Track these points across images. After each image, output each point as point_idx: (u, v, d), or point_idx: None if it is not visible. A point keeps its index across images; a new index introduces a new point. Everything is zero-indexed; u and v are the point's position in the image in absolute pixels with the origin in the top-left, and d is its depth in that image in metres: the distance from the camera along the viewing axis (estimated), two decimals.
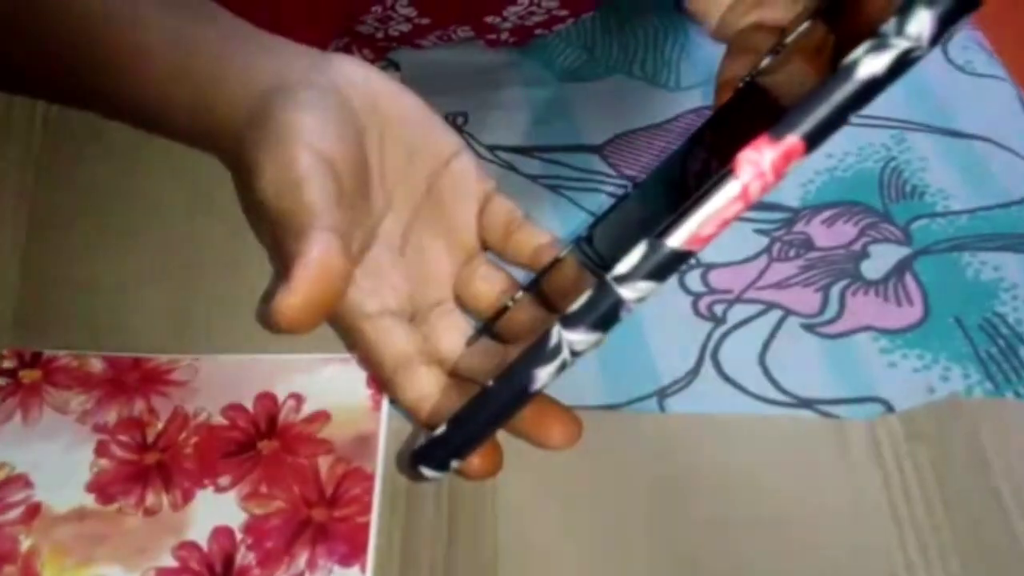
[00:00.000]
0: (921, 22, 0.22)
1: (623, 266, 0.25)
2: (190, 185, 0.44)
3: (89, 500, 0.35)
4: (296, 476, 0.35)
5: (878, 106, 0.53)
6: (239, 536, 0.34)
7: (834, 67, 0.23)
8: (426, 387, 0.31)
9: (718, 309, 0.41)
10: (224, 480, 0.35)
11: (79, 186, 0.44)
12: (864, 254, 0.43)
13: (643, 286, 0.25)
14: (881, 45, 0.22)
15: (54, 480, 0.35)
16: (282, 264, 0.29)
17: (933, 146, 0.48)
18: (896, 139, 0.48)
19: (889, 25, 0.22)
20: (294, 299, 0.27)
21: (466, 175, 0.34)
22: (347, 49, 0.52)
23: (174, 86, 0.34)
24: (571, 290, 0.29)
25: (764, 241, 0.44)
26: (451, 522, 0.35)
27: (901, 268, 0.43)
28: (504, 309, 0.33)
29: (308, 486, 0.35)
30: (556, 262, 0.33)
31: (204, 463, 0.36)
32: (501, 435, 0.32)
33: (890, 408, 0.38)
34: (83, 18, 0.36)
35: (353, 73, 0.33)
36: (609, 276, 0.25)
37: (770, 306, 0.41)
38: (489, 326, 0.33)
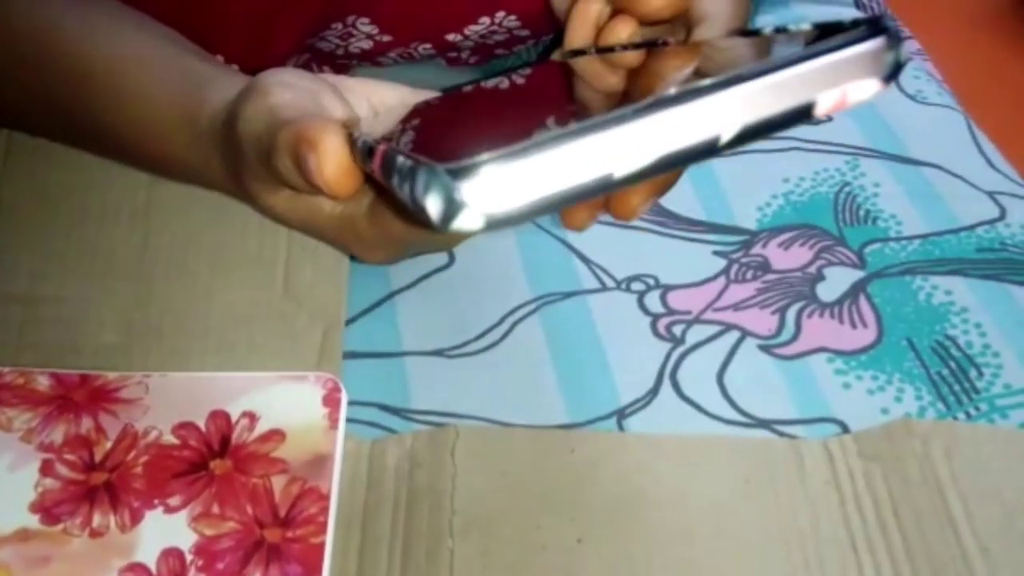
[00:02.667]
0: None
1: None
2: (139, 195, 0.43)
3: (33, 521, 0.34)
4: (249, 496, 0.35)
5: (832, 132, 0.54)
6: (189, 558, 0.33)
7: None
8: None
9: (677, 330, 0.42)
10: (174, 500, 0.34)
11: (22, 199, 0.43)
12: (819, 277, 0.44)
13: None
14: None
15: None
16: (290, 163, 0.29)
17: (886, 172, 0.49)
18: (850, 165, 0.49)
19: None
20: (329, 158, 0.26)
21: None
22: (307, 66, 0.52)
23: (159, 83, 0.35)
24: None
25: (722, 263, 0.44)
26: (407, 542, 0.34)
27: (855, 291, 0.43)
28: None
29: (262, 506, 0.34)
30: None
31: (154, 483, 0.35)
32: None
33: (845, 428, 0.38)
34: (60, 41, 0.37)
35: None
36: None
37: (728, 327, 0.42)
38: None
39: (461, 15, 0.49)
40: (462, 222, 0.19)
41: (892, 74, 0.21)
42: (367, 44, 0.50)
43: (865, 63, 0.21)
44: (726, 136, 0.20)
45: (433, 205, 0.19)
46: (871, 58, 0.21)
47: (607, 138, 0.19)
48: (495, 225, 0.19)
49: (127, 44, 0.37)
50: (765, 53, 0.25)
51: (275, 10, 0.45)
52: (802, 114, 0.20)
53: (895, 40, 0.21)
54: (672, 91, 0.20)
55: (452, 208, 0.19)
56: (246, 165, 0.31)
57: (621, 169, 0.19)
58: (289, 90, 0.30)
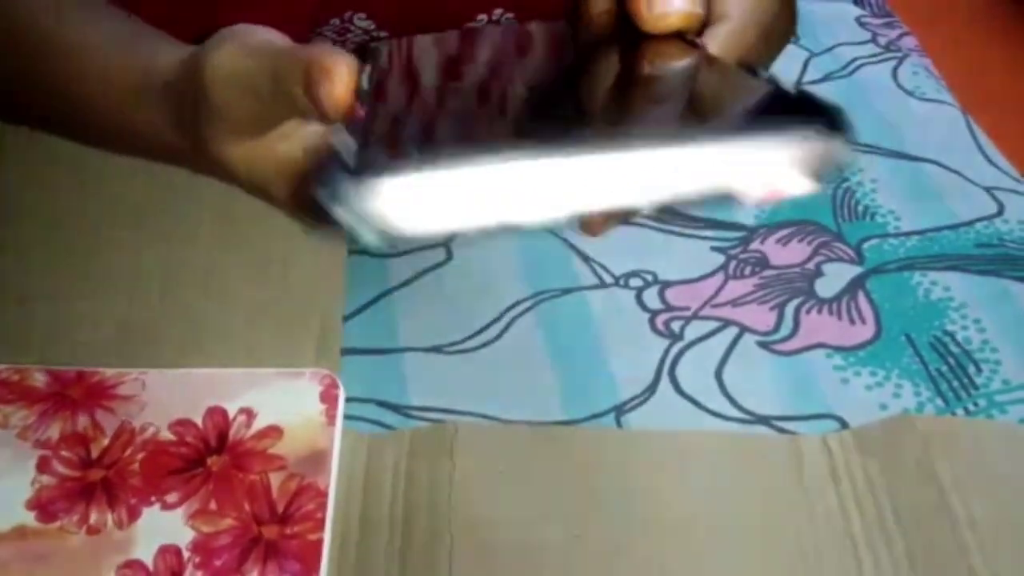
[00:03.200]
0: None
1: None
2: (138, 195, 0.43)
3: (30, 518, 0.34)
4: (247, 493, 0.34)
5: None
6: (186, 555, 0.33)
7: None
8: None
9: (675, 326, 0.42)
10: (171, 497, 0.34)
11: (17, 194, 0.43)
12: (818, 273, 0.44)
13: None
14: None
15: None
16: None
17: (884, 168, 0.49)
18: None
19: None
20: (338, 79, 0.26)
21: None
22: None
23: (118, 59, 0.35)
24: None
25: (720, 259, 0.44)
26: (406, 539, 0.34)
27: (854, 287, 0.43)
28: None
29: (259, 503, 0.34)
30: None
31: (151, 480, 0.35)
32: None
33: (844, 424, 0.38)
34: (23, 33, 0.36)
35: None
36: None
37: (726, 323, 0.42)
38: None
39: (458, 12, 0.49)
40: (363, 237, 0.20)
41: (830, 177, 0.20)
42: (363, 40, 0.50)
43: (803, 162, 0.20)
44: (643, 208, 0.20)
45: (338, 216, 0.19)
46: (811, 159, 0.20)
47: (509, 182, 0.20)
48: (392, 243, 0.20)
49: (86, 23, 0.37)
50: (738, 99, 0.24)
51: (271, 5, 0.45)
52: (724, 200, 0.20)
53: (843, 142, 0.20)
54: (602, 144, 0.20)
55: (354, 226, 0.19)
56: (209, 113, 0.31)
57: (523, 222, 0.20)
58: (269, 32, 0.31)
